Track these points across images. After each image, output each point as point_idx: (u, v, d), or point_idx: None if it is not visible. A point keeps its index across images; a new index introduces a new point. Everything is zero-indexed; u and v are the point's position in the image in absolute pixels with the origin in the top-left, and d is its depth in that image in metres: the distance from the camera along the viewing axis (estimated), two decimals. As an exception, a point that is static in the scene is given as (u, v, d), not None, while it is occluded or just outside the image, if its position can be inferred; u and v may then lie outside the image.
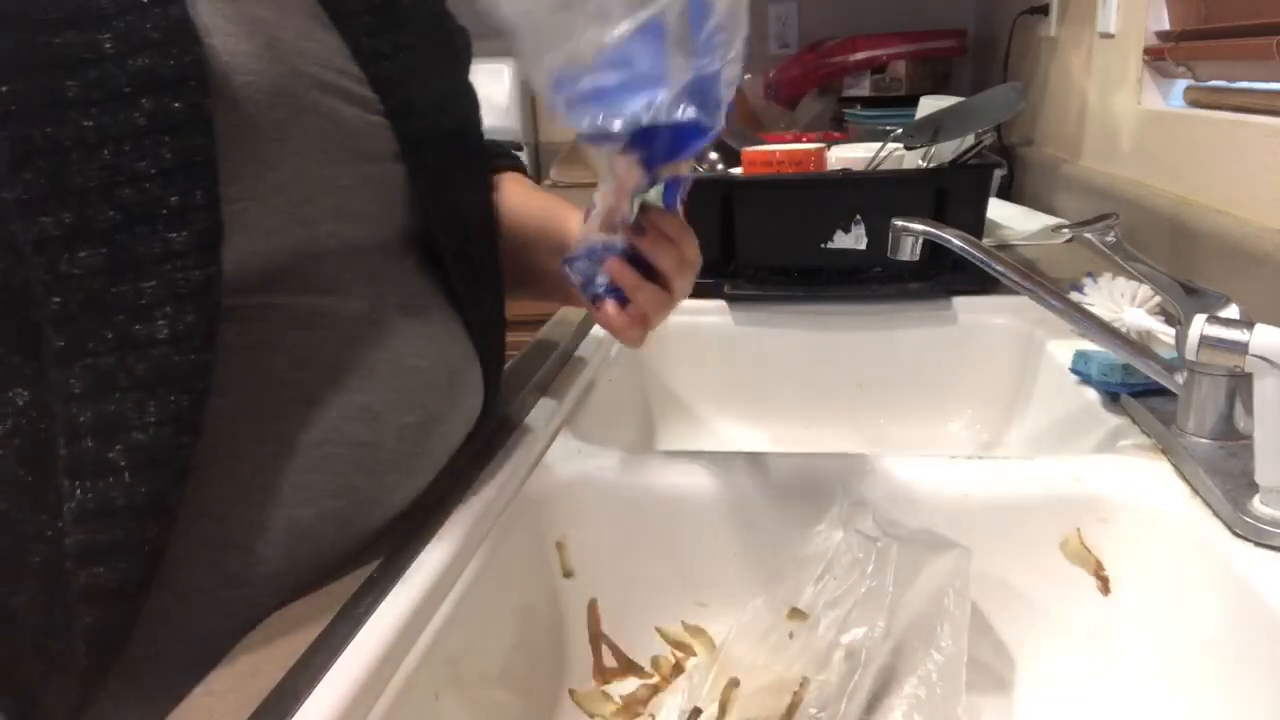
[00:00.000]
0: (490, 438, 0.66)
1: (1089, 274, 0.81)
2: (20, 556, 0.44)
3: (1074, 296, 0.74)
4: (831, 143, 1.14)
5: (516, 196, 0.74)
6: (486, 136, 0.73)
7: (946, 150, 0.98)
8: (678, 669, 0.61)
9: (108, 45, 0.41)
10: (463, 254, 0.62)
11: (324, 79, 0.52)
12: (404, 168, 0.56)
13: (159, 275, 0.42)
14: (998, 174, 1.32)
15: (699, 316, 1.02)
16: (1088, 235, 0.68)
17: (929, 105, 1.20)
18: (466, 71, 0.71)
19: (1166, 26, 1.06)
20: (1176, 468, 0.58)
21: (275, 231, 0.48)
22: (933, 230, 0.72)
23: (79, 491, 0.42)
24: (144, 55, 0.42)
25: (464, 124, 0.65)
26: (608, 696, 0.60)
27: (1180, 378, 0.60)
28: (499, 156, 0.80)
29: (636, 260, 0.59)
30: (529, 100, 2.25)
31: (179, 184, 0.43)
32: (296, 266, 0.50)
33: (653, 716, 0.58)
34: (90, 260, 0.41)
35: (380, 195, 0.56)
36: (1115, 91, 1.16)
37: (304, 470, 0.50)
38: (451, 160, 0.61)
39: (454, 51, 0.68)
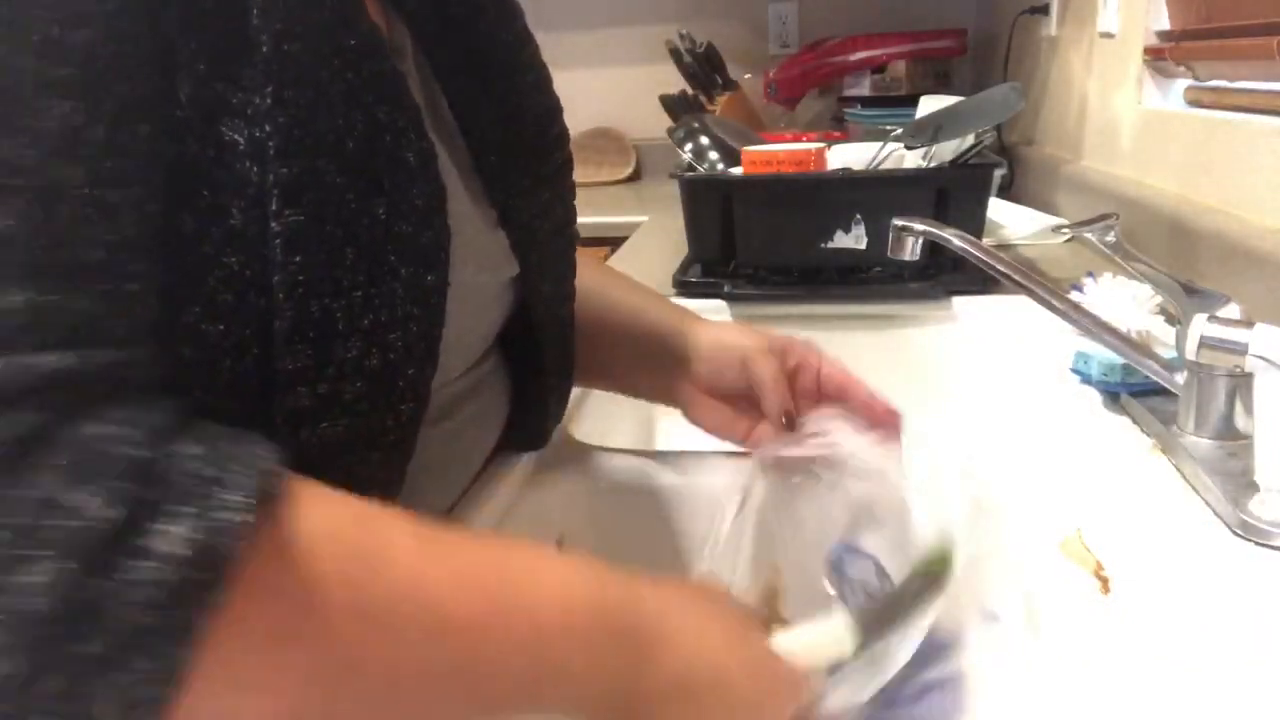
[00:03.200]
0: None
1: (1089, 274, 0.81)
2: None
3: (1074, 296, 0.74)
4: (831, 143, 1.14)
5: (621, 295, 0.69)
6: None
7: (946, 150, 0.98)
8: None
9: (381, 211, 0.39)
10: (553, 355, 0.60)
11: (484, 229, 0.51)
12: (517, 297, 0.55)
13: (385, 448, 0.42)
14: (998, 174, 1.32)
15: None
16: (1088, 235, 0.68)
17: (929, 105, 1.20)
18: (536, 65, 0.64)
19: (1166, 26, 1.06)
20: (1176, 468, 0.57)
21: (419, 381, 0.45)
22: (933, 230, 0.72)
23: None
24: (408, 222, 0.40)
25: (572, 243, 0.62)
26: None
27: (1180, 378, 0.60)
28: None
29: None
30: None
31: (416, 358, 0.41)
32: None
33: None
34: (330, 432, 0.39)
35: (497, 324, 0.55)
36: (1115, 91, 1.16)
37: None
38: (562, 277, 0.60)
39: (525, 55, 0.62)
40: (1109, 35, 1.18)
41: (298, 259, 0.36)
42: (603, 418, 0.81)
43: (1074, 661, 0.57)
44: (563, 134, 0.60)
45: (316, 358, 0.37)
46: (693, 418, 0.64)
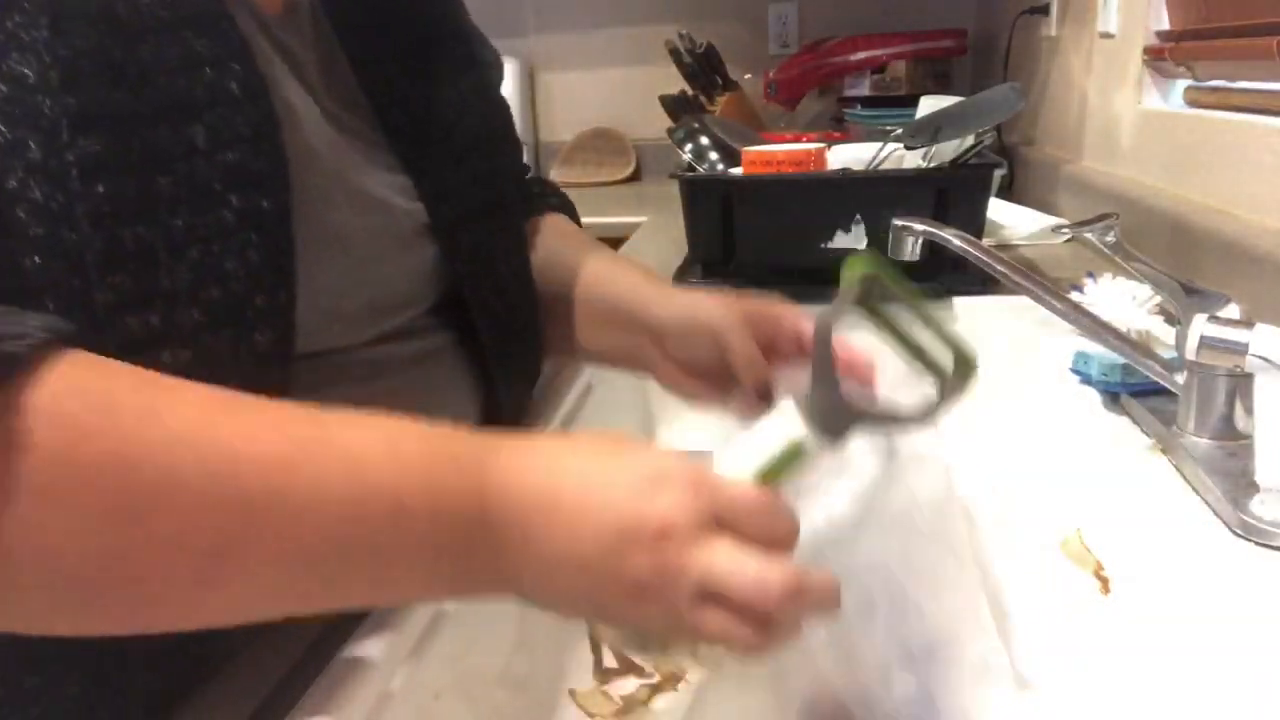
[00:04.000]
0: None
1: (1089, 274, 0.81)
2: None
3: (1074, 296, 0.74)
4: (831, 143, 1.14)
5: (593, 266, 0.68)
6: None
7: (946, 150, 0.98)
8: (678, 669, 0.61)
9: (199, 140, 0.40)
10: (500, 323, 0.60)
11: (375, 171, 0.51)
12: (437, 249, 0.55)
13: (240, 376, 0.40)
14: (998, 174, 1.32)
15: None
16: (1088, 235, 0.68)
17: (929, 105, 1.20)
18: (497, 91, 0.68)
19: (1166, 26, 1.06)
20: (1176, 468, 0.57)
21: (317, 329, 0.46)
22: (933, 230, 0.72)
23: None
24: (234, 150, 0.41)
25: (501, 190, 0.62)
26: (608, 696, 0.60)
27: (1180, 378, 0.60)
28: (541, 197, 0.76)
29: None
30: (529, 100, 2.26)
31: (265, 285, 0.41)
32: (332, 346, 0.49)
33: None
34: (173, 363, 0.39)
35: (416, 280, 0.55)
36: (1115, 91, 1.16)
37: None
38: (488, 233, 0.60)
39: (496, 111, 0.66)
40: (1109, 35, 1.18)
41: (100, 188, 0.37)
42: (603, 418, 0.81)
43: (1074, 661, 0.57)
44: (483, 86, 0.62)
45: (139, 287, 0.38)
46: (665, 385, 0.64)
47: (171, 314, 0.39)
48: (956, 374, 0.43)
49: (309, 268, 0.44)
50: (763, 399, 0.60)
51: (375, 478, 0.34)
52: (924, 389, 0.43)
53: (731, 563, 0.35)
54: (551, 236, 0.71)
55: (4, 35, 0.36)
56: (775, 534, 0.36)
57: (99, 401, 0.32)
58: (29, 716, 0.43)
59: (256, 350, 0.42)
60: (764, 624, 0.35)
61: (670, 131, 1.14)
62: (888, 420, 0.41)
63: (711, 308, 0.61)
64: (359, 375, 0.51)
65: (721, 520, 0.36)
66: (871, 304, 0.42)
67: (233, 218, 0.40)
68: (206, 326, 0.40)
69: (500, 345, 0.60)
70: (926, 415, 0.41)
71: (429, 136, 0.56)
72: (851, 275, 0.41)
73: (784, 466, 0.39)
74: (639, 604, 0.35)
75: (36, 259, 0.36)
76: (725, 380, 0.61)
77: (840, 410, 0.39)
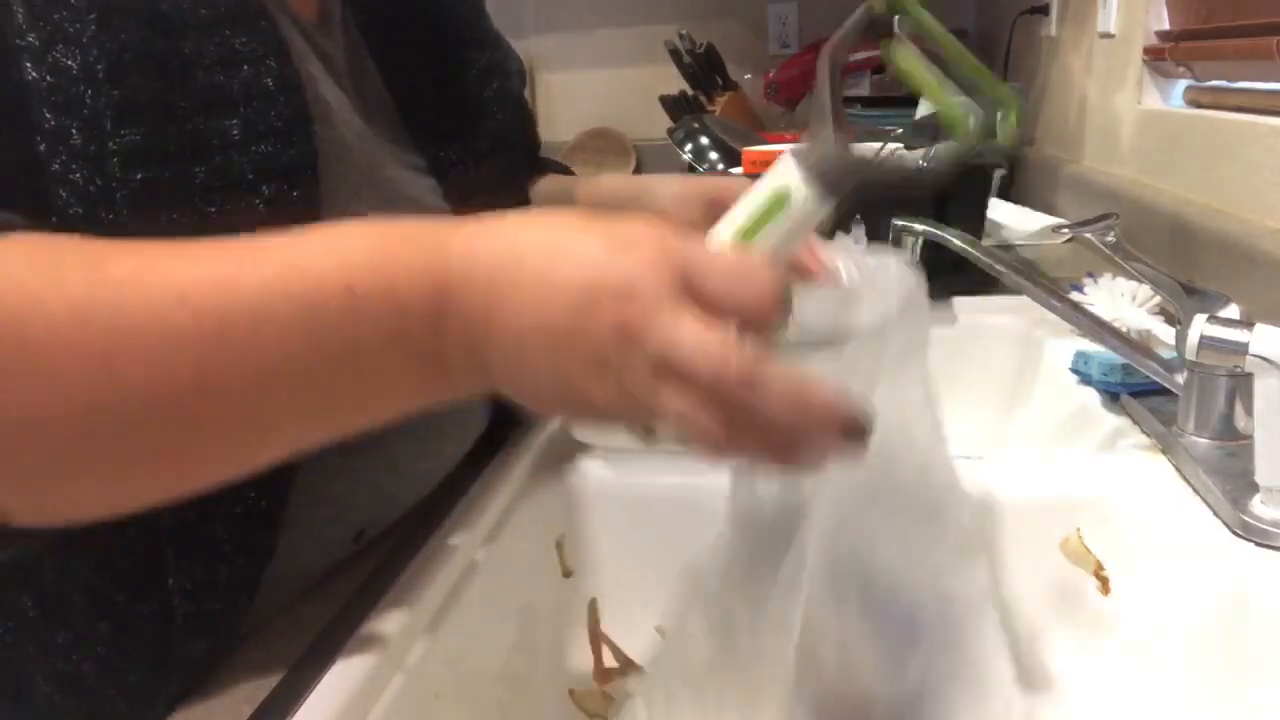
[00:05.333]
0: (490, 438, 0.66)
1: (1089, 274, 0.81)
2: None
3: (1074, 296, 0.74)
4: (831, 143, 1.13)
5: (590, 182, 0.73)
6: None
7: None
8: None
9: (235, 132, 0.42)
10: None
11: (401, 168, 0.53)
12: None
13: None
14: (998, 174, 1.32)
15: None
16: (1088, 235, 0.68)
17: (929, 105, 1.20)
18: (520, 96, 0.71)
19: (1166, 26, 1.06)
20: (1176, 468, 0.57)
21: None
22: (933, 230, 0.72)
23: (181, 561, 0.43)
24: (267, 143, 0.42)
25: (522, 196, 0.65)
26: (608, 696, 0.60)
27: (1180, 378, 0.60)
28: (548, 168, 0.80)
29: None
30: (530, 99, 2.26)
31: None
32: None
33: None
34: None
35: None
36: (1115, 91, 1.16)
37: (322, 523, 0.51)
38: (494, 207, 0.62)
39: (519, 116, 0.68)
40: (1109, 35, 1.18)
41: (138, 175, 0.38)
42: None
43: (1074, 662, 0.57)
44: (505, 92, 0.64)
45: None
46: None
47: None
48: (984, 111, 0.37)
49: None
50: None
51: (319, 269, 0.34)
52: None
53: (693, 336, 0.32)
54: (551, 180, 0.75)
55: (51, 28, 0.38)
56: (749, 301, 0.33)
57: (46, 267, 0.33)
58: (56, 672, 0.44)
59: None
60: (726, 411, 0.32)
61: (670, 131, 1.14)
62: (892, 173, 0.37)
63: (704, 178, 0.64)
64: None
65: (691, 285, 0.33)
66: (884, 37, 0.38)
67: (264, 207, 0.42)
68: None
69: None
70: (931, 172, 0.39)
71: (452, 139, 0.57)
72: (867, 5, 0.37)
73: (766, 219, 0.34)
74: (600, 378, 0.33)
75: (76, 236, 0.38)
76: None
77: (841, 155, 0.34)
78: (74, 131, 0.38)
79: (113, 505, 0.36)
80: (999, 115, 0.37)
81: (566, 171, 0.82)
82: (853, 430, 0.33)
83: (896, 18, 0.38)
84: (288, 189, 0.43)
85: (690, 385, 0.32)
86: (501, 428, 0.66)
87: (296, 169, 0.43)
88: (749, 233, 0.34)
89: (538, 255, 0.34)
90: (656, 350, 0.32)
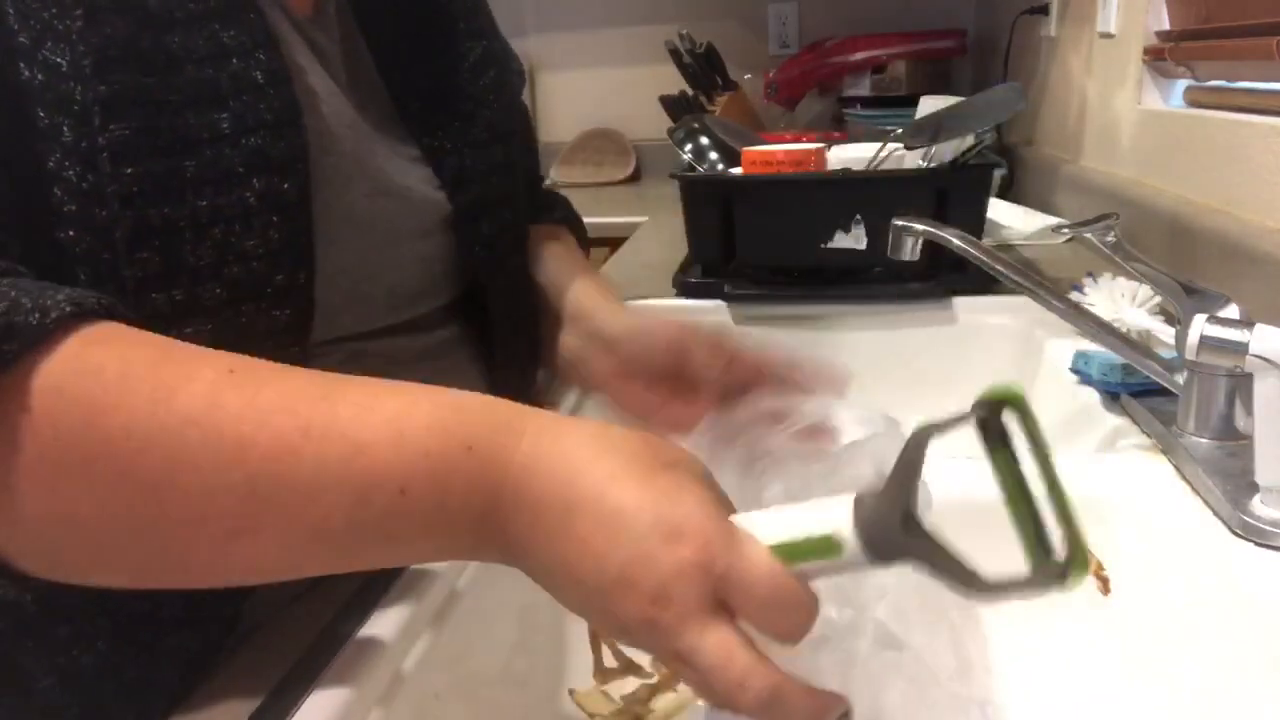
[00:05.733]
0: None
1: (1089, 274, 0.81)
2: None
3: (1074, 296, 0.74)
4: (831, 143, 1.14)
5: (563, 280, 0.69)
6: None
7: (946, 150, 0.98)
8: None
9: (225, 125, 0.42)
10: (508, 318, 0.62)
11: (394, 159, 0.53)
12: (454, 239, 0.57)
13: (262, 352, 0.42)
14: (998, 174, 1.32)
15: (699, 316, 1.02)
16: (1088, 235, 0.68)
17: (929, 105, 1.20)
18: (517, 95, 0.71)
19: (1166, 26, 1.06)
20: (1176, 468, 0.57)
21: (337, 311, 0.49)
22: (933, 230, 0.72)
23: None
24: (257, 136, 0.43)
25: (517, 184, 0.65)
26: (608, 696, 0.60)
27: (1180, 378, 0.60)
28: (549, 210, 0.77)
29: None
30: (530, 99, 2.26)
31: (284, 264, 0.44)
32: (347, 336, 0.51)
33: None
34: (196, 337, 0.40)
35: (432, 269, 0.57)
36: (1115, 91, 1.16)
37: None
38: (505, 224, 0.61)
39: (515, 108, 0.68)
40: (1109, 35, 1.18)
41: (128, 170, 0.39)
42: (602, 418, 0.81)
43: (1074, 661, 0.57)
44: (501, 83, 0.64)
45: (164, 263, 0.40)
46: (615, 399, 0.63)
47: (195, 290, 0.41)
48: (1057, 563, 0.35)
49: (328, 249, 0.47)
50: (724, 398, 0.57)
51: (379, 467, 0.34)
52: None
53: (718, 654, 0.32)
54: (544, 246, 0.72)
55: (40, 25, 0.38)
56: (783, 631, 0.33)
57: (113, 379, 0.33)
58: (56, 666, 0.44)
59: (277, 326, 0.44)
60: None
61: (670, 131, 1.14)
62: (953, 571, 0.35)
63: (667, 320, 0.61)
64: (372, 367, 0.52)
65: (728, 599, 0.33)
66: (991, 440, 0.35)
67: (254, 199, 0.42)
68: (229, 302, 0.42)
69: (509, 336, 0.62)
70: (1002, 589, 0.35)
71: (448, 128, 0.57)
72: (982, 399, 0.35)
73: (811, 553, 0.33)
74: (622, 637, 0.37)
75: (70, 233, 0.39)
76: (678, 391, 0.59)
77: (901, 534, 0.33)
78: (65, 128, 0.38)
79: (119, 584, 0.37)
80: (1065, 566, 0.35)
81: (572, 219, 0.78)
82: None
83: (1007, 415, 0.35)
84: (279, 181, 0.43)
85: (707, 685, 0.33)
86: None
87: (287, 161, 0.44)
88: (792, 555, 0.33)
89: (587, 514, 0.34)
90: (679, 650, 0.33)
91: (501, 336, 0.62)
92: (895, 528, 0.33)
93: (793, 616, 0.33)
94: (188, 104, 0.41)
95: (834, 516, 0.33)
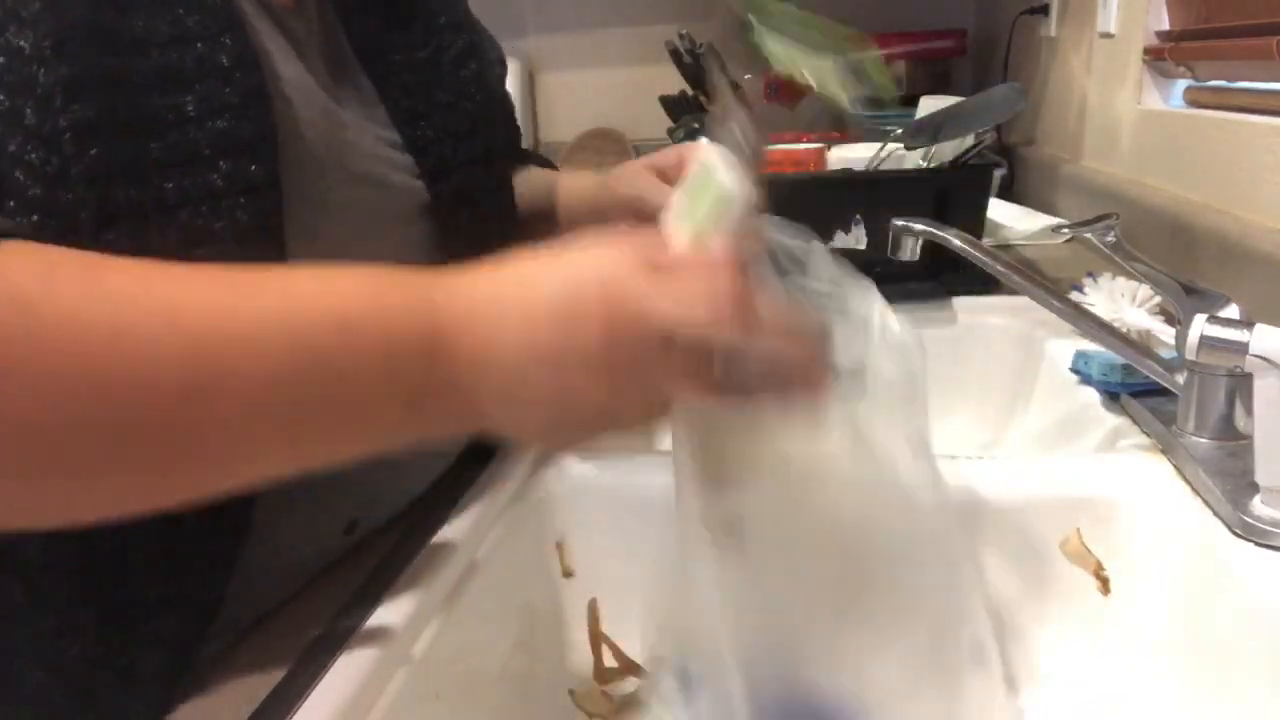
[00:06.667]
0: (490, 437, 0.66)
1: (1089, 274, 0.81)
2: None
3: (1074, 296, 0.74)
4: (831, 143, 1.14)
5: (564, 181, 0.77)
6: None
7: (946, 150, 0.98)
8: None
9: (190, 108, 0.42)
10: None
11: (372, 146, 0.53)
12: (435, 228, 0.57)
13: None
14: (998, 174, 1.32)
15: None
16: (1088, 235, 0.68)
17: (929, 105, 1.20)
18: (500, 84, 0.72)
19: (1166, 26, 1.06)
20: (1176, 468, 0.57)
21: None
22: (933, 230, 0.72)
23: None
24: (223, 118, 0.42)
25: (501, 175, 0.65)
26: (608, 696, 0.60)
27: (1180, 378, 0.60)
28: (528, 161, 0.81)
29: None
30: (529, 100, 2.26)
31: (254, 246, 0.43)
32: None
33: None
34: None
35: (413, 258, 0.56)
36: (1115, 91, 1.16)
37: (308, 509, 0.51)
38: (486, 216, 0.61)
39: (496, 99, 0.69)
40: (1108, 35, 1.18)
41: (92, 152, 0.39)
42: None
43: (1074, 661, 0.57)
44: (483, 75, 0.64)
45: (130, 246, 0.39)
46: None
47: None
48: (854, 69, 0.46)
49: (300, 233, 0.46)
50: None
51: (315, 303, 0.35)
52: None
53: (676, 296, 0.35)
54: (534, 174, 0.77)
55: (4, 10, 0.38)
56: (720, 293, 0.35)
57: (42, 273, 0.33)
58: (45, 658, 0.44)
59: None
60: (728, 363, 0.35)
61: (670, 131, 1.14)
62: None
63: (652, 155, 0.71)
64: None
65: (660, 270, 0.36)
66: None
67: (222, 182, 0.42)
68: None
69: None
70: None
71: (430, 118, 0.57)
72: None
73: (715, 220, 0.38)
74: (600, 380, 0.35)
75: (35, 218, 0.38)
76: None
77: (755, 139, 0.40)
78: (28, 111, 0.38)
79: (95, 512, 0.36)
80: (862, 69, 0.44)
81: (548, 165, 0.83)
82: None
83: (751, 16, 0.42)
84: (246, 163, 0.43)
85: (689, 352, 0.34)
86: None
87: (254, 143, 0.43)
88: (700, 234, 0.38)
89: (512, 286, 0.36)
90: (647, 325, 0.34)
91: None
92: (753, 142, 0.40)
93: (721, 287, 0.35)
94: (151, 86, 0.41)
95: (716, 173, 0.39)
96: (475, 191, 0.60)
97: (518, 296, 0.36)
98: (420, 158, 0.56)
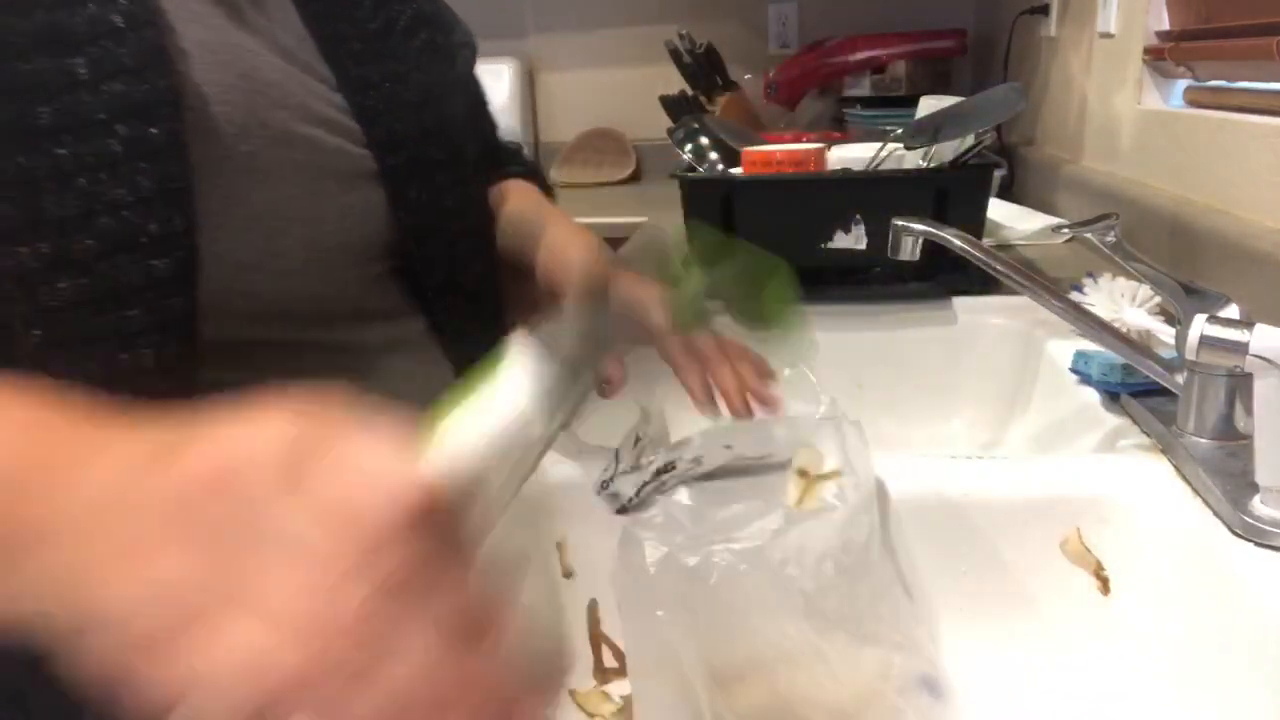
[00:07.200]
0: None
1: (1089, 274, 0.81)
2: None
3: (1074, 296, 0.74)
4: (831, 143, 1.14)
5: (508, 211, 0.71)
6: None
7: (946, 150, 0.98)
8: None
9: (82, 71, 0.40)
10: (453, 284, 0.61)
11: (307, 109, 0.51)
12: (385, 195, 0.55)
13: (142, 304, 0.41)
14: (998, 174, 1.32)
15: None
16: (1088, 235, 0.68)
17: (929, 105, 1.20)
18: (469, 73, 0.70)
19: (1166, 26, 1.06)
20: (1176, 468, 0.57)
21: (250, 267, 0.47)
22: (933, 230, 0.72)
23: None
24: (118, 81, 0.41)
25: (456, 149, 0.63)
26: (608, 696, 0.60)
27: (1180, 378, 0.60)
28: (508, 164, 0.77)
29: None
30: (529, 100, 2.26)
31: (159, 211, 0.42)
32: (278, 302, 0.49)
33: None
34: (74, 292, 0.40)
35: (361, 226, 0.55)
36: (1115, 91, 1.16)
37: None
38: (439, 189, 0.60)
39: (452, 72, 0.67)
40: (1109, 35, 1.18)
41: None
42: (603, 418, 0.81)
43: (1073, 661, 0.57)
44: (434, 46, 0.62)
45: (26, 215, 0.39)
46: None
47: (63, 242, 0.40)
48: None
49: (228, 197, 0.45)
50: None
51: None
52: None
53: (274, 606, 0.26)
54: (516, 198, 0.73)
55: None
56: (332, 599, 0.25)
57: None
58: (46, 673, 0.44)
59: (155, 277, 0.42)
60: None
61: (670, 131, 1.14)
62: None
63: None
64: (341, 363, 0.52)
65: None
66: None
67: (120, 146, 0.41)
68: (102, 254, 0.41)
69: (452, 310, 0.60)
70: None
71: (379, 89, 0.56)
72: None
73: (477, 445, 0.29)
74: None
75: None
76: None
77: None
78: None
79: None
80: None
81: (533, 174, 0.79)
82: None
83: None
84: (145, 127, 0.41)
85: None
86: None
87: (152, 106, 0.42)
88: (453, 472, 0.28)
89: (117, 498, 0.28)
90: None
91: (440, 306, 0.60)
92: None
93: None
94: (38, 47, 0.40)
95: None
96: (427, 165, 0.58)
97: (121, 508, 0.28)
98: (369, 128, 0.55)
